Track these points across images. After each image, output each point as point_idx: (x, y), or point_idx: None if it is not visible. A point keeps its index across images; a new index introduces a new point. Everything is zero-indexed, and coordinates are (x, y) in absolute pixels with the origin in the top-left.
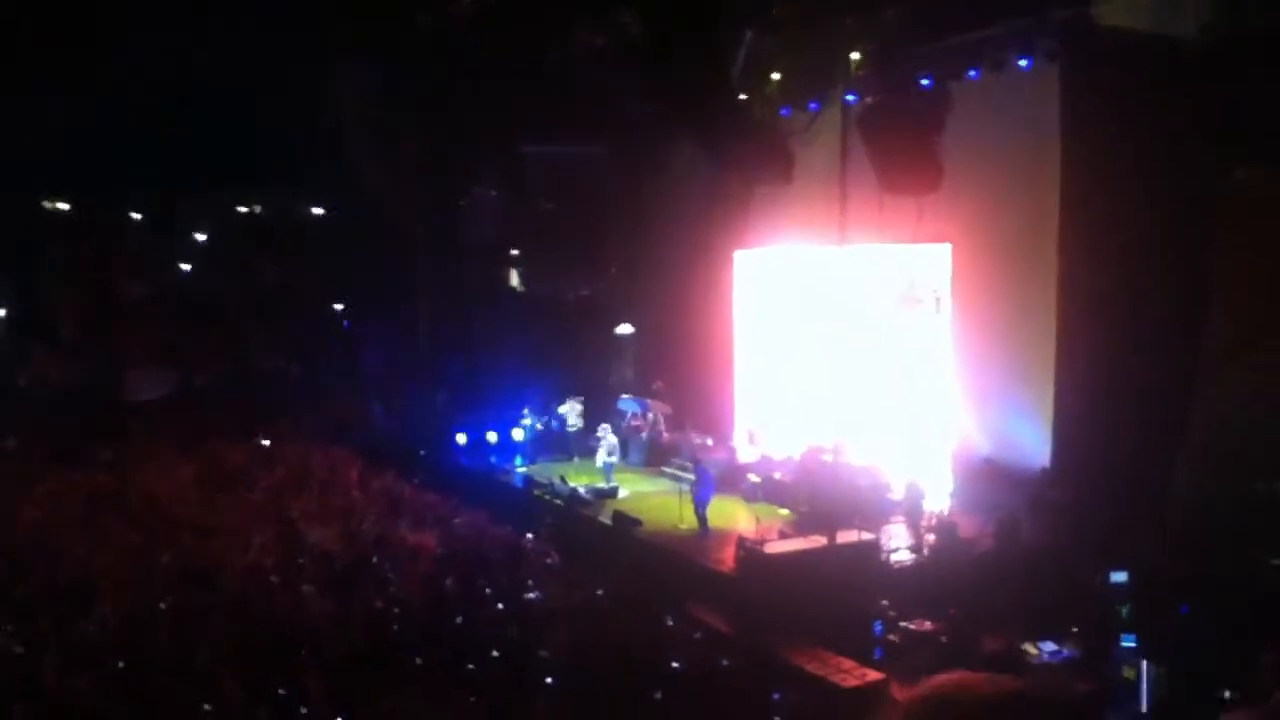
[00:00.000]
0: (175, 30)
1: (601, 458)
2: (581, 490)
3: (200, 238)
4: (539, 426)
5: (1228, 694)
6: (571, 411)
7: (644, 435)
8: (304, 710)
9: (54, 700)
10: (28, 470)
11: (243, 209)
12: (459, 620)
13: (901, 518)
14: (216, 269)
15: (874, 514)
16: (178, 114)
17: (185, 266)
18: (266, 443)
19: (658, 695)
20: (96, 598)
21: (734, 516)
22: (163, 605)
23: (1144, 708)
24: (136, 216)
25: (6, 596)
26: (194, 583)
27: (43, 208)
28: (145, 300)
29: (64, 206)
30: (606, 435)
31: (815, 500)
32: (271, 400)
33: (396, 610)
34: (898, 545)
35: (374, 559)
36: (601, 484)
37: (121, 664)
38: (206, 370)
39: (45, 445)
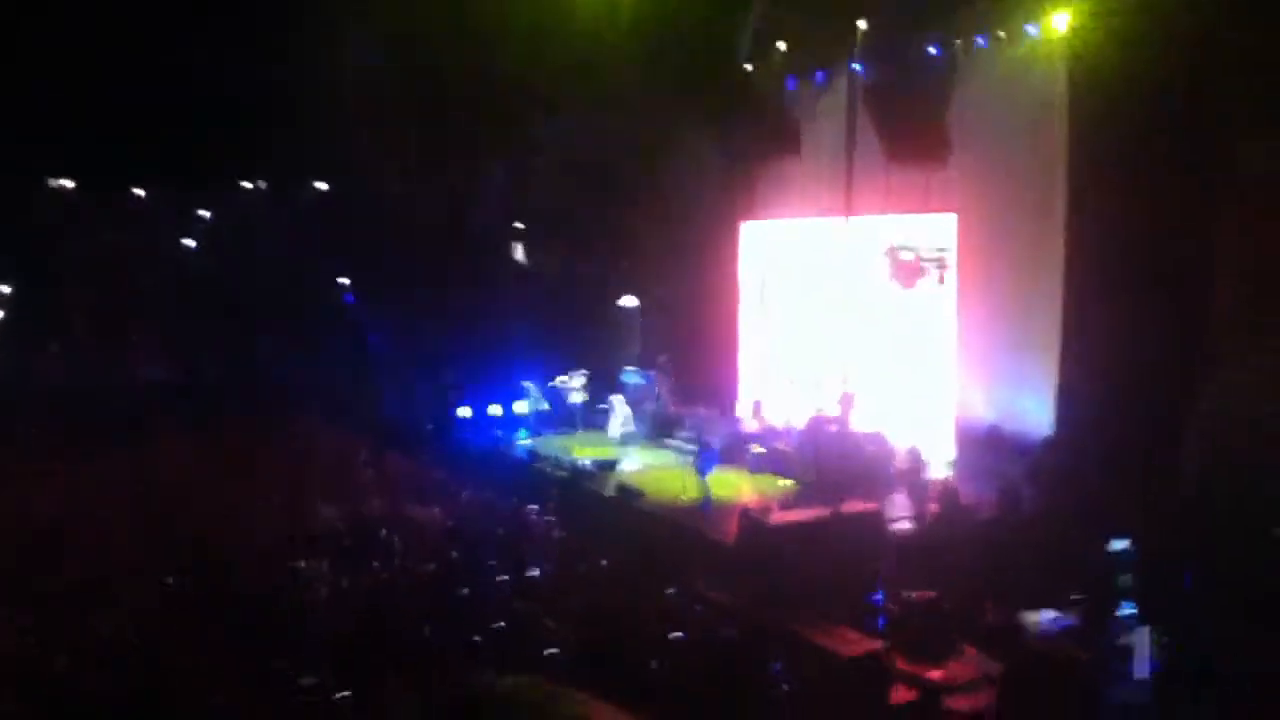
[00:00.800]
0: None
1: (615, 428)
2: (585, 463)
3: (204, 214)
4: (542, 402)
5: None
6: (575, 383)
7: (648, 407)
8: (309, 682)
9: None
10: (37, 461)
11: (247, 185)
12: (464, 592)
13: (904, 486)
14: (221, 247)
15: (877, 483)
16: (183, 93)
17: (189, 243)
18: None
19: (656, 665)
20: (110, 588)
21: (737, 487)
22: (171, 588)
23: (1142, 675)
24: (140, 193)
25: (21, 590)
26: (204, 567)
27: (47, 188)
28: (152, 282)
29: (68, 184)
30: (618, 406)
31: (819, 470)
32: (277, 379)
33: (401, 583)
34: (900, 514)
35: (381, 533)
36: (609, 455)
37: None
38: (212, 351)
39: (54, 434)
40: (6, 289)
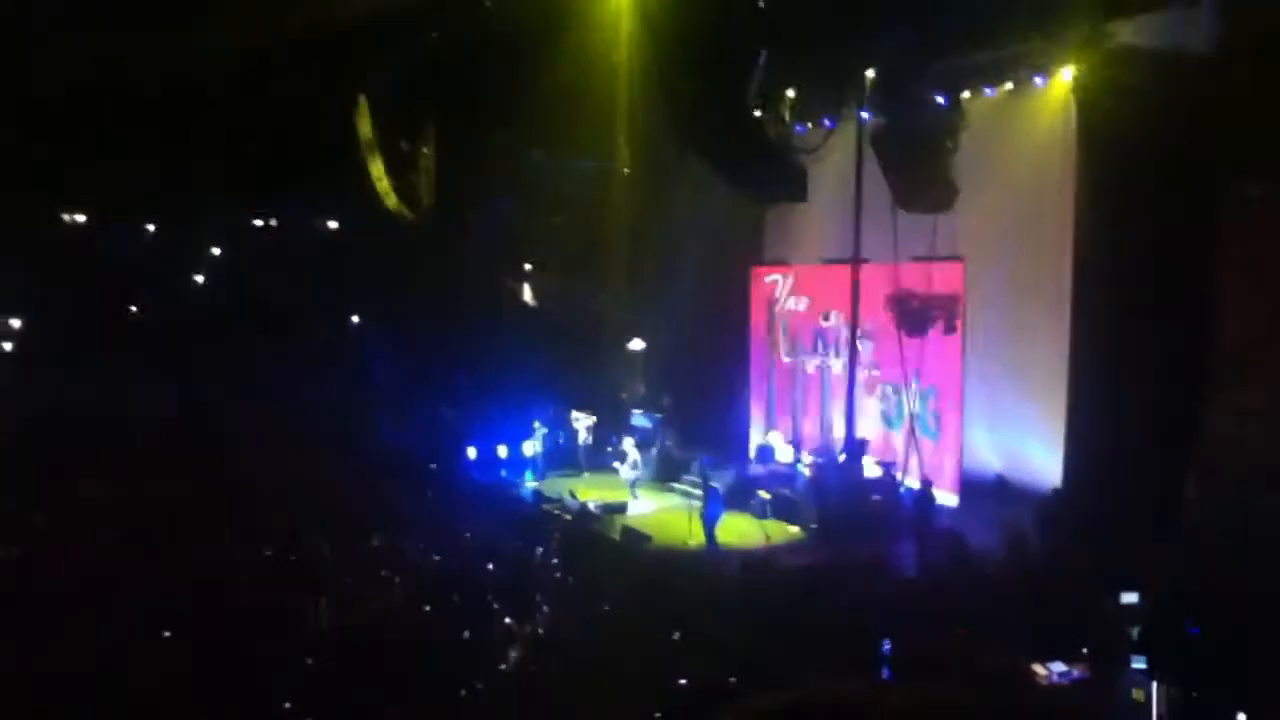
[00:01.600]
0: (193, 41)
1: (626, 472)
2: (591, 505)
3: (215, 251)
4: (541, 446)
5: (1241, 716)
6: (582, 425)
7: (653, 451)
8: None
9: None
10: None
11: (257, 222)
12: (466, 635)
13: (911, 534)
14: (229, 282)
15: (884, 530)
16: (194, 126)
17: (199, 279)
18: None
19: (659, 715)
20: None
21: (743, 533)
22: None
23: None
24: (151, 228)
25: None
26: (202, 592)
27: (60, 219)
28: (158, 314)
29: (80, 219)
30: (630, 449)
31: (826, 517)
32: (281, 414)
33: (400, 623)
34: (906, 562)
35: (382, 573)
36: (611, 499)
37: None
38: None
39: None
40: (17, 322)
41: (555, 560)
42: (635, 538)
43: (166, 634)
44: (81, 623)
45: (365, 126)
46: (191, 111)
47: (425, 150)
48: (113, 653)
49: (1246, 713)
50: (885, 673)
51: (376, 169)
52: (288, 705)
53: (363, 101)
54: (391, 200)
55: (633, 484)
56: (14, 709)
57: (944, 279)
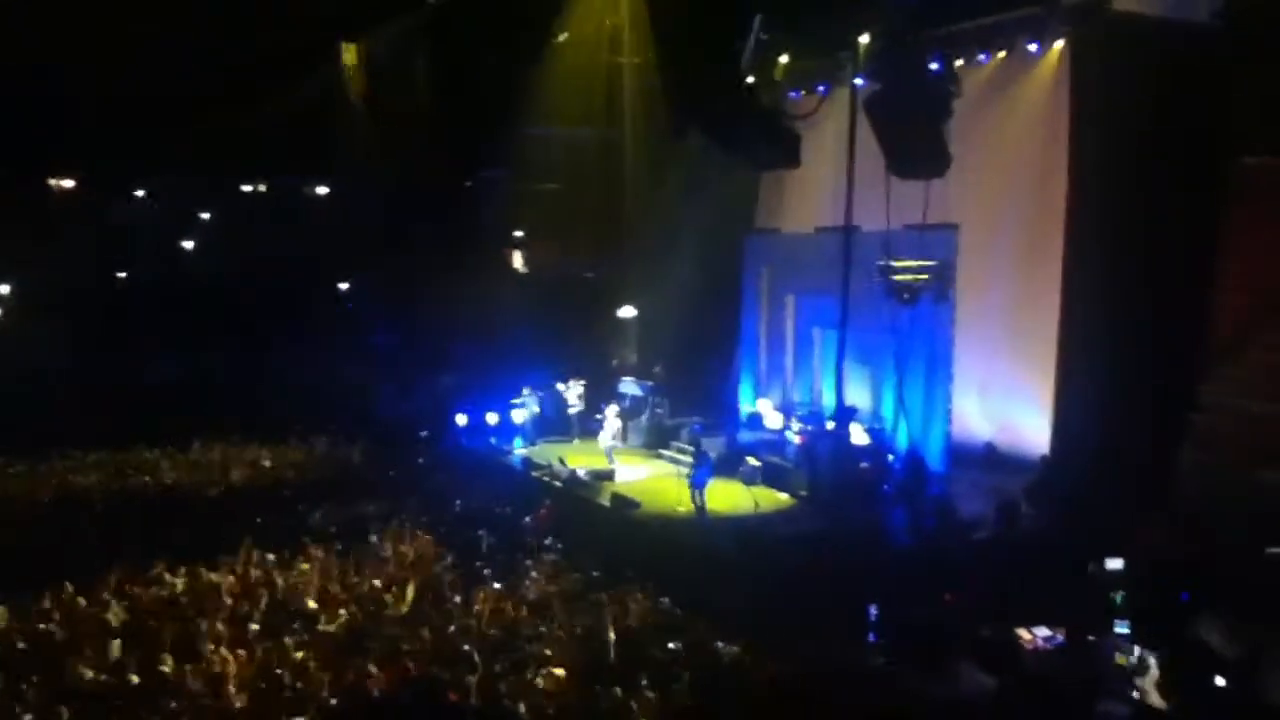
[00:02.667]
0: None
1: (605, 439)
2: (580, 472)
3: (204, 216)
4: (538, 409)
5: (1223, 681)
6: (573, 392)
7: (644, 418)
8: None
9: None
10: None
11: (247, 188)
12: (457, 599)
13: (901, 501)
14: (221, 249)
15: (874, 498)
16: (182, 93)
17: (188, 245)
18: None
19: (647, 681)
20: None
21: (732, 500)
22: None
23: (1137, 695)
24: (141, 194)
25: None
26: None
27: (49, 186)
28: (152, 282)
29: (69, 184)
30: (611, 416)
31: (816, 484)
32: (279, 382)
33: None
34: (896, 529)
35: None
36: (600, 466)
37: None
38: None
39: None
40: (5, 289)
41: (545, 526)
42: (624, 504)
43: None
44: None
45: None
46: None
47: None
48: None
49: (1229, 676)
50: (872, 638)
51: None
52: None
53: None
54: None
55: (609, 451)
56: None
57: (937, 246)
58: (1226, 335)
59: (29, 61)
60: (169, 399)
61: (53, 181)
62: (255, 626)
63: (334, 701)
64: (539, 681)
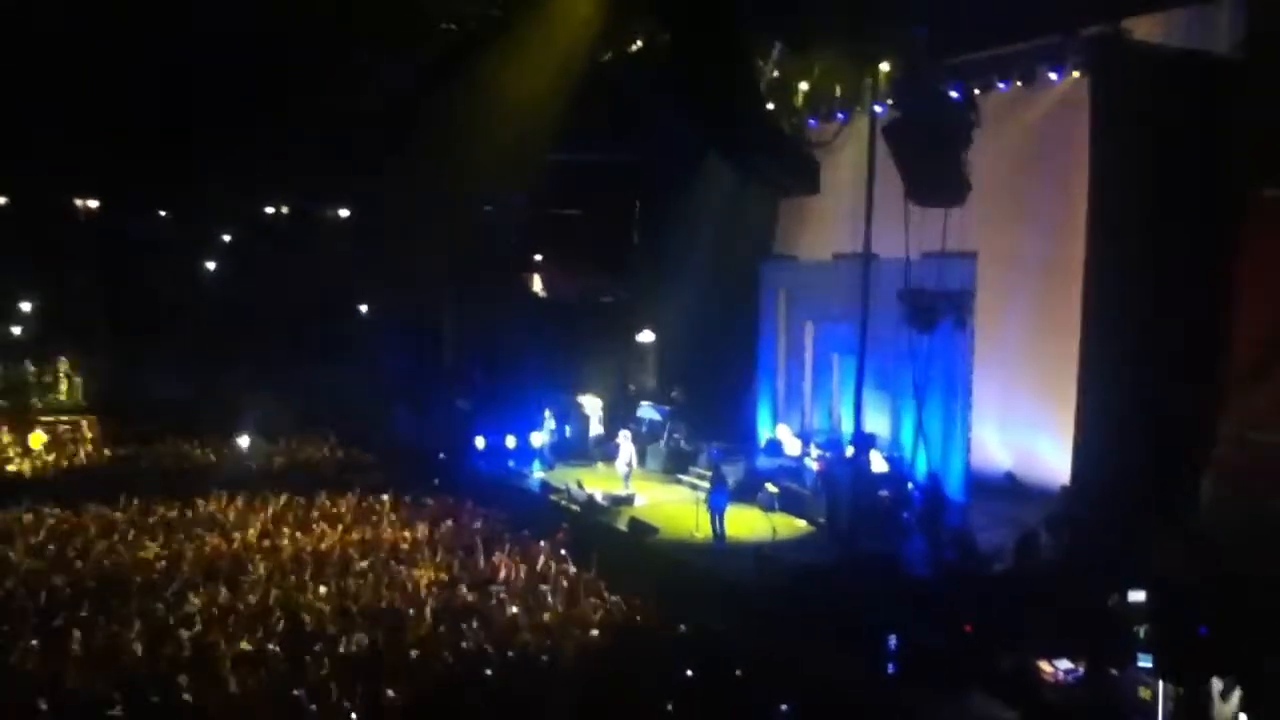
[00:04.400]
0: (204, 29)
1: (620, 465)
2: (598, 496)
3: (225, 238)
4: (551, 435)
5: (1243, 715)
6: (593, 415)
7: (662, 443)
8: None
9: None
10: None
11: (269, 210)
12: (474, 625)
13: (920, 531)
14: (241, 270)
15: (893, 527)
16: (208, 114)
17: (210, 265)
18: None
19: (669, 706)
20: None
21: (751, 526)
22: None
23: None
24: (163, 214)
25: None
26: (219, 582)
27: (73, 205)
28: (173, 301)
29: (94, 204)
30: (625, 442)
31: (834, 512)
32: (295, 402)
33: (410, 612)
34: (915, 559)
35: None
36: (618, 491)
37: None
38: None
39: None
40: (28, 306)
41: (563, 552)
42: (642, 529)
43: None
44: None
45: None
46: (201, 96)
47: None
48: None
49: (1249, 711)
50: (891, 668)
51: None
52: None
53: None
54: None
55: (626, 476)
56: None
57: (955, 274)
58: (1245, 366)
59: (50, 79)
60: (182, 414)
61: (77, 201)
62: None
63: None
64: None
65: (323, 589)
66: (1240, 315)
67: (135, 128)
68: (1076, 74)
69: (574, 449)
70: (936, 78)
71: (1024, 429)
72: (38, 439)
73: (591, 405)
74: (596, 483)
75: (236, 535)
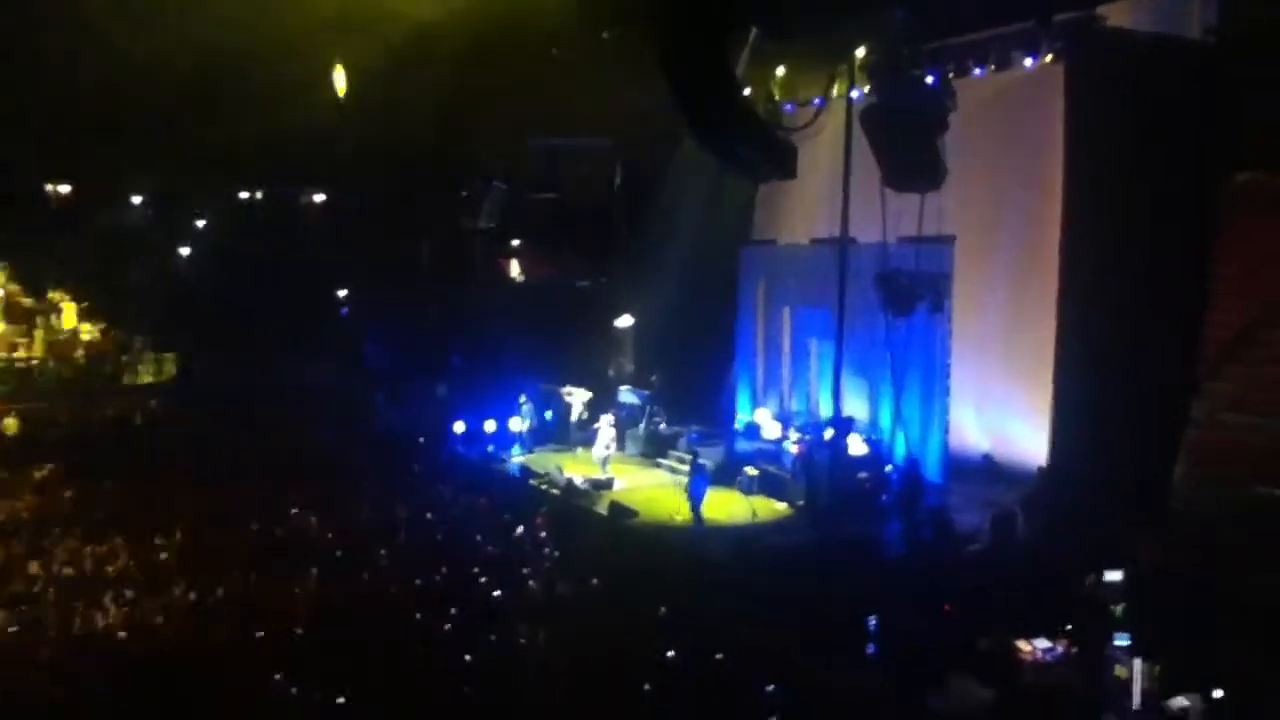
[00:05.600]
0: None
1: (599, 449)
2: (578, 481)
3: (199, 224)
4: (530, 420)
5: (1220, 693)
6: (577, 400)
7: (641, 427)
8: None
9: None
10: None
11: (243, 194)
12: (453, 612)
13: (898, 512)
14: (216, 255)
15: (871, 509)
16: (184, 99)
17: (184, 251)
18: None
19: (650, 688)
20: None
21: (730, 509)
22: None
23: (1136, 706)
24: (137, 200)
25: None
26: (196, 570)
27: (45, 192)
28: (147, 286)
29: (65, 190)
30: (605, 426)
31: (813, 494)
32: (273, 389)
33: (389, 599)
34: (894, 540)
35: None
36: (598, 475)
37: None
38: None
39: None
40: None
41: (542, 535)
42: (622, 513)
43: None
44: None
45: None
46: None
47: None
48: None
49: (1227, 688)
50: (872, 649)
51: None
52: (278, 677)
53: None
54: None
55: (604, 461)
56: None
57: (933, 259)
58: (1219, 349)
59: (24, 65)
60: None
61: (49, 187)
62: None
63: None
64: None
65: None
66: (1216, 299)
67: (109, 112)
68: (1051, 59)
69: (554, 434)
70: (913, 63)
71: (1001, 412)
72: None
73: (576, 391)
74: (576, 467)
75: None
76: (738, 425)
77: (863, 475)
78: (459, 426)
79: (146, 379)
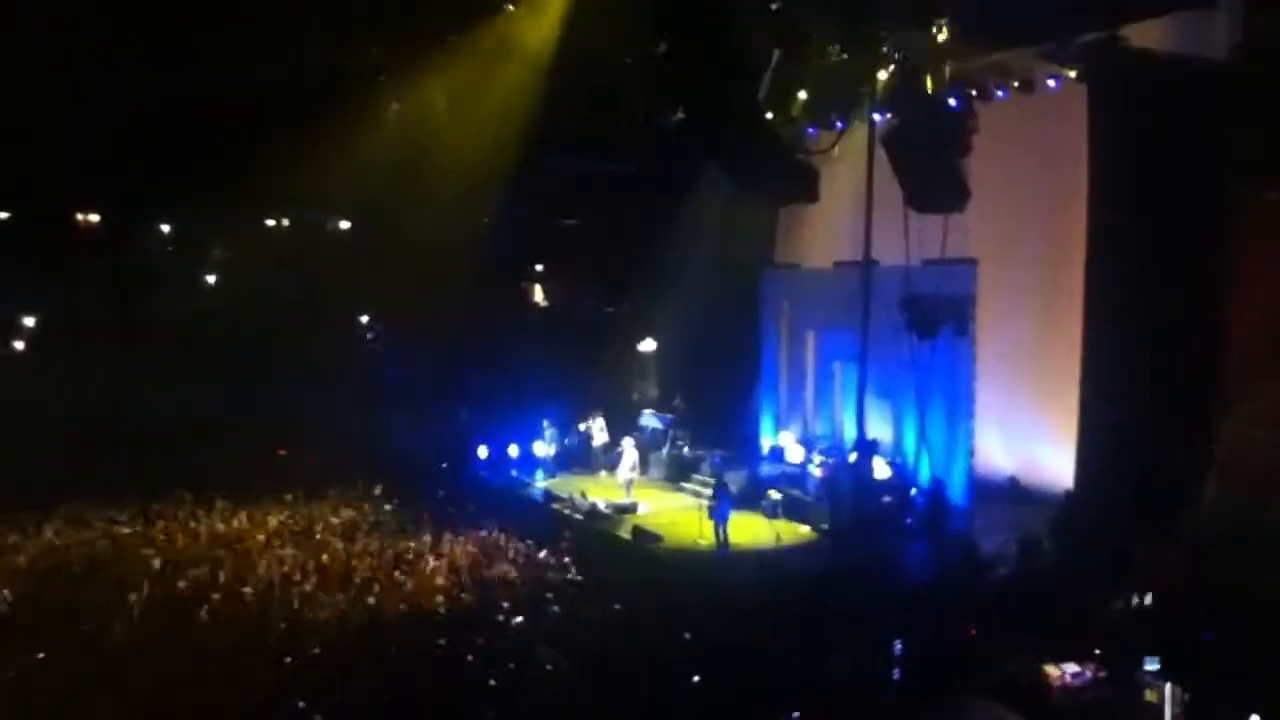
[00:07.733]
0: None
1: (623, 473)
2: (601, 505)
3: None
4: (554, 445)
5: (1254, 717)
6: (596, 426)
7: (664, 451)
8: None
9: None
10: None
11: (269, 222)
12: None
13: (923, 536)
14: (240, 283)
15: (896, 532)
16: (207, 126)
17: (210, 279)
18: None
19: (674, 714)
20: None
21: (754, 533)
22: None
23: None
24: (165, 229)
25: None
26: (220, 594)
27: (74, 219)
28: (174, 313)
29: (94, 219)
30: (627, 450)
31: (837, 518)
32: (297, 414)
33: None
34: (919, 564)
35: (394, 572)
36: (621, 499)
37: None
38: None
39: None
40: (30, 320)
41: (566, 560)
42: (645, 537)
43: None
44: None
45: None
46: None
47: None
48: None
49: (1259, 714)
50: (897, 674)
51: None
52: (302, 705)
53: None
54: None
55: (628, 484)
56: None
57: (956, 281)
58: (1244, 368)
59: (51, 94)
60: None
61: (78, 216)
62: None
63: None
64: None
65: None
66: (1240, 318)
67: (134, 139)
68: (1074, 79)
69: (577, 458)
70: (935, 85)
71: (1026, 434)
72: None
73: (594, 415)
74: (600, 491)
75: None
76: (761, 449)
77: (887, 499)
78: (483, 451)
79: None
